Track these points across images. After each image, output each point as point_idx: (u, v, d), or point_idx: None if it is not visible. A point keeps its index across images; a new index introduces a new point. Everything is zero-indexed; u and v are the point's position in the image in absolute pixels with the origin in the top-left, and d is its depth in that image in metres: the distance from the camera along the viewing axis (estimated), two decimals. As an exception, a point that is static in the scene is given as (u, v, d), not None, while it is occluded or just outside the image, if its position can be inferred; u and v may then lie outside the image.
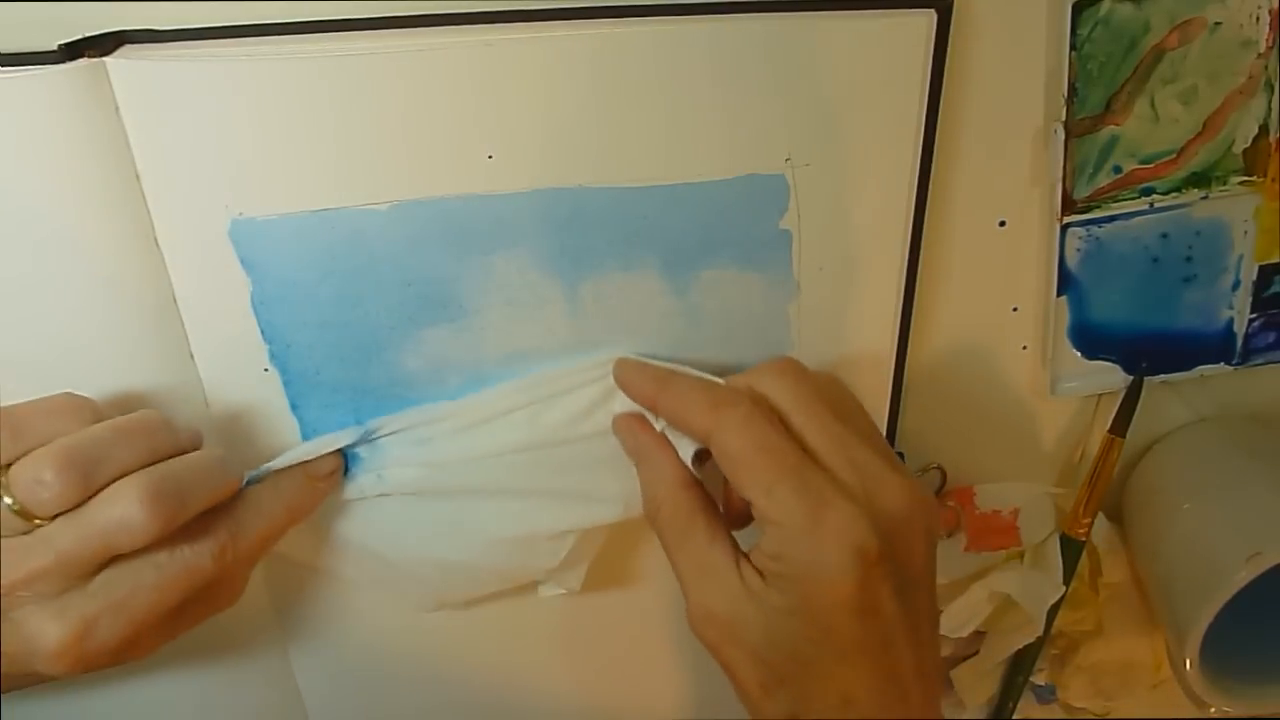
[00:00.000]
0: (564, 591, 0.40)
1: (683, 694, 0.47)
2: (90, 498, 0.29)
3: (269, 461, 0.34)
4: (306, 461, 0.34)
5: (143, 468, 0.29)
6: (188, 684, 0.40)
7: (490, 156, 0.32)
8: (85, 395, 0.31)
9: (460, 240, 0.33)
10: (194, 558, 0.31)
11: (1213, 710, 0.42)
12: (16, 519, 0.29)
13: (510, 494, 0.36)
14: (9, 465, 0.29)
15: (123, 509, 0.29)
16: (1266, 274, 0.40)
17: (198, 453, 0.31)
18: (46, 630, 0.29)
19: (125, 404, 0.34)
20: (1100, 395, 0.42)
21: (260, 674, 0.42)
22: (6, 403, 0.31)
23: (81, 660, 0.30)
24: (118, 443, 0.29)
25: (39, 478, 0.28)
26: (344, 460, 0.36)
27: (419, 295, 0.34)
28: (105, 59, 0.29)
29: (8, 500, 0.28)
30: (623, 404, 0.36)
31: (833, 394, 0.33)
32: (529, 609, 0.42)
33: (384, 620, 0.42)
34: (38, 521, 0.29)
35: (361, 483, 0.36)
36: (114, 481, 0.29)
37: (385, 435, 0.36)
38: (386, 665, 0.43)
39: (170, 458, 0.30)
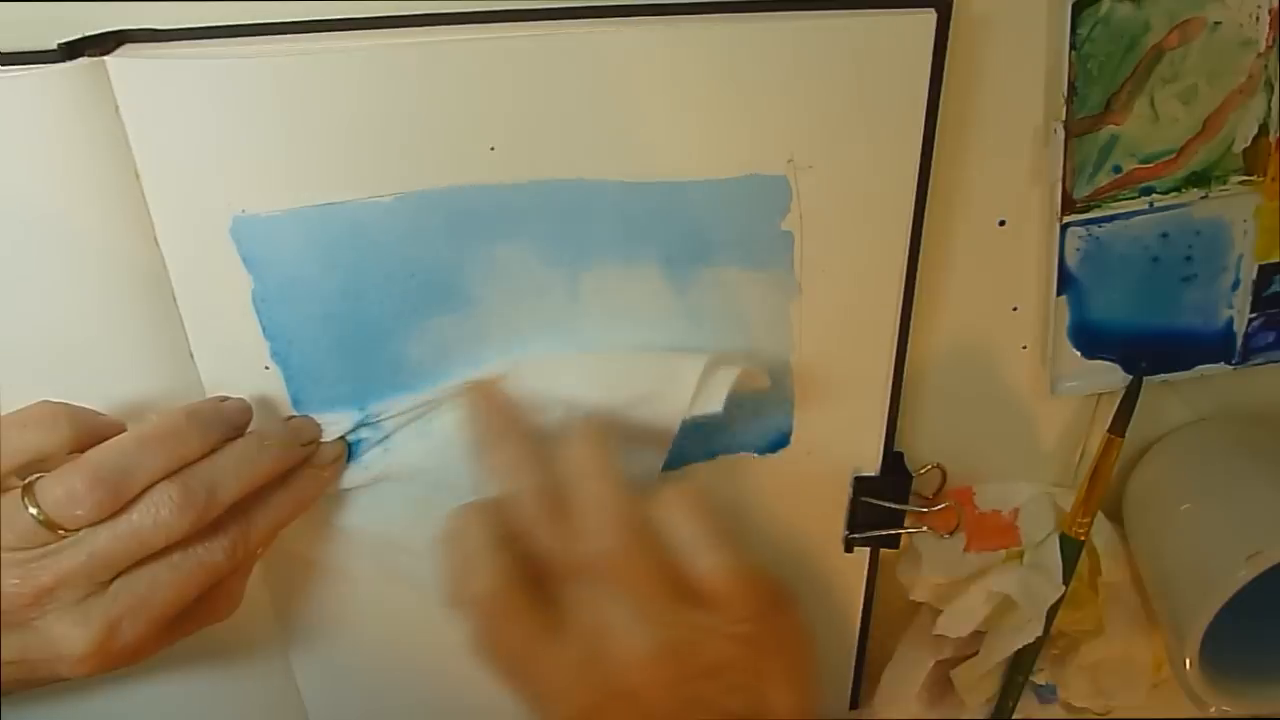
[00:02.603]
0: None
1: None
2: (121, 509, 0.29)
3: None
4: (310, 452, 0.34)
5: (171, 474, 0.30)
6: (187, 684, 0.40)
7: (492, 148, 0.32)
8: (60, 402, 0.31)
9: (464, 229, 0.33)
10: (208, 555, 0.31)
11: (1213, 710, 0.42)
12: (42, 530, 0.29)
13: None
14: (33, 481, 0.29)
15: (155, 514, 0.29)
16: (1266, 273, 0.40)
17: (228, 448, 0.32)
18: (72, 635, 0.30)
19: (125, 405, 0.34)
20: (1100, 395, 0.42)
21: (260, 674, 0.42)
22: (6, 403, 0.31)
23: (105, 662, 0.30)
24: (145, 453, 0.30)
25: (71, 492, 0.29)
26: (347, 447, 0.36)
27: (422, 286, 0.34)
28: (105, 58, 0.29)
29: (33, 511, 0.29)
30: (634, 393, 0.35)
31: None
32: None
33: (384, 620, 0.42)
34: (62, 533, 0.29)
35: (368, 460, 0.36)
36: (145, 491, 0.29)
37: (388, 419, 0.35)
38: (386, 665, 0.43)
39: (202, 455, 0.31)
